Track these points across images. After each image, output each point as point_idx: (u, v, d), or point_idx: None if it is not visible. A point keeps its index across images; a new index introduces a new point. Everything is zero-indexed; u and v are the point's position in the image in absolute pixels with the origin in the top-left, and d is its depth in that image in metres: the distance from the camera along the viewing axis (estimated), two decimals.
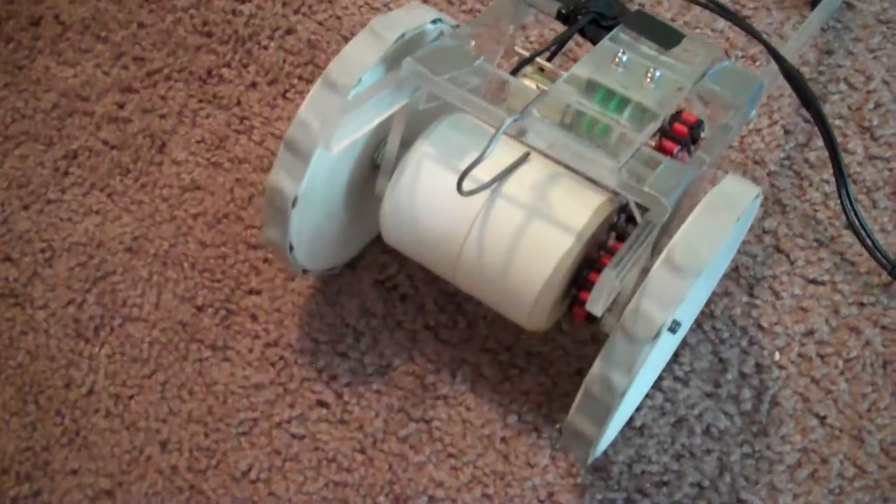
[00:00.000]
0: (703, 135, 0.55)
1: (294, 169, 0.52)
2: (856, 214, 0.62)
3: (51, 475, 0.61)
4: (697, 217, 0.48)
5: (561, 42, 0.60)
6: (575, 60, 0.55)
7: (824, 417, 0.60)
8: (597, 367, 0.48)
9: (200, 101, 0.73)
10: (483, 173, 0.52)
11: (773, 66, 0.60)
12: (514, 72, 0.57)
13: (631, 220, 0.55)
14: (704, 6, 0.63)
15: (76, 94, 0.73)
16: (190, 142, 0.71)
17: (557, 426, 0.60)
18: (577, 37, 0.60)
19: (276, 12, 0.75)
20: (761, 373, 0.61)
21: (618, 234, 0.55)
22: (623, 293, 0.51)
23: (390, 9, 0.75)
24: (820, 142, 0.68)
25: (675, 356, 0.61)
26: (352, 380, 0.62)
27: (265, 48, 0.74)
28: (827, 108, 0.69)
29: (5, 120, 0.73)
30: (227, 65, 0.74)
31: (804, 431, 0.60)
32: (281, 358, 0.63)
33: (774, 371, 0.61)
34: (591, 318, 0.54)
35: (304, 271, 0.59)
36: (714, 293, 0.63)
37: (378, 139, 0.58)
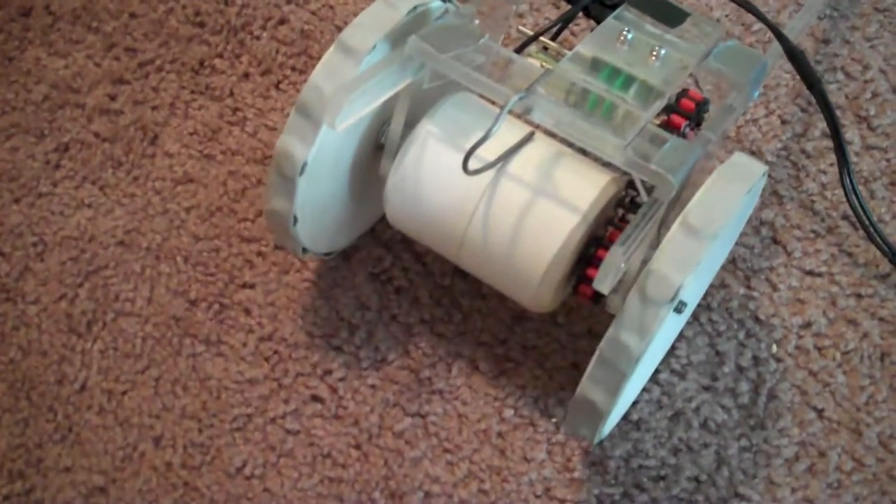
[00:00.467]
0: (707, 114, 0.55)
1: (305, 133, 0.52)
2: (857, 197, 0.62)
3: (44, 472, 0.60)
4: (711, 184, 0.49)
5: (565, 21, 0.60)
6: (576, 43, 0.55)
7: (822, 410, 0.60)
8: (612, 332, 0.47)
9: (193, 92, 0.72)
10: (488, 153, 0.52)
11: (776, 46, 0.60)
12: (519, 50, 0.56)
13: (633, 203, 0.55)
14: None
15: (67, 85, 0.73)
16: (182, 134, 0.70)
17: (554, 420, 0.60)
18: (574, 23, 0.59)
19: (269, 2, 0.74)
20: (759, 365, 0.61)
21: (624, 212, 0.55)
22: (629, 273, 0.51)
23: None
24: (817, 132, 0.68)
25: (672, 349, 0.61)
26: (346, 374, 0.61)
27: (258, 38, 0.73)
28: None
29: None
30: (220, 55, 0.73)
31: (802, 424, 0.59)
32: (275, 352, 0.62)
33: (772, 364, 0.61)
34: (595, 299, 0.54)
35: (304, 250, 0.58)
36: (711, 285, 0.63)
37: (382, 120, 0.58)
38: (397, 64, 0.52)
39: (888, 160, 0.67)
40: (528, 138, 0.54)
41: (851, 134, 0.68)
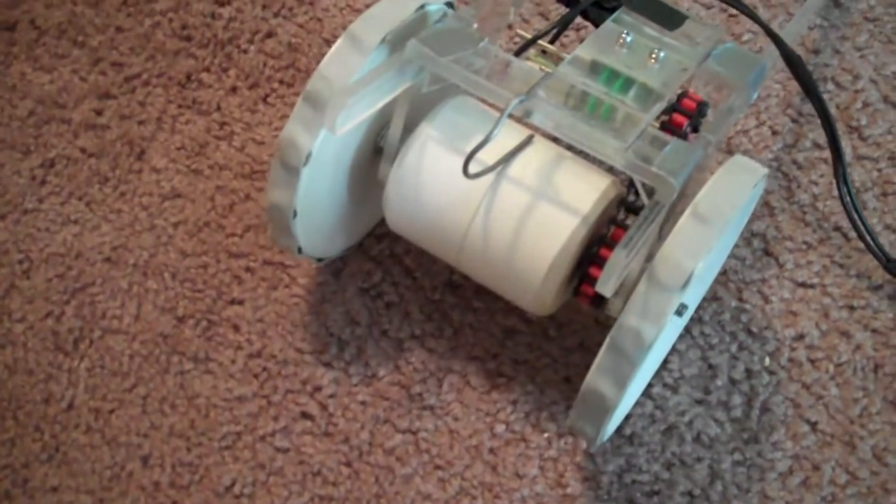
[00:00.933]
0: (705, 119, 0.55)
1: (311, 122, 0.52)
2: (852, 201, 0.62)
3: (30, 493, 0.60)
4: (719, 176, 0.50)
5: (564, 24, 0.60)
6: (574, 47, 0.55)
7: (815, 423, 0.59)
8: (623, 319, 0.47)
9: (180, 106, 0.71)
10: (488, 156, 0.52)
11: (773, 49, 0.60)
12: (517, 54, 0.56)
13: (632, 207, 0.55)
14: None
15: (53, 100, 0.72)
16: (169, 149, 0.70)
17: (546, 435, 0.59)
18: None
19: (256, 15, 0.74)
20: (751, 378, 0.60)
21: (625, 215, 0.55)
22: (629, 277, 0.51)
23: None
24: (808, 142, 0.68)
25: (665, 362, 0.61)
26: (336, 391, 0.61)
27: (245, 52, 0.73)
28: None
29: None
30: (207, 69, 0.72)
31: (795, 438, 0.59)
32: (264, 369, 0.61)
33: (765, 376, 0.60)
34: (595, 302, 0.54)
35: (299, 250, 0.57)
36: (703, 298, 0.62)
37: (380, 124, 0.58)
38: (396, 68, 0.52)
39: (879, 170, 0.67)
40: (527, 141, 0.55)
41: (842, 144, 0.67)
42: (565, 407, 0.60)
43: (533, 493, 0.58)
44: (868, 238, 0.62)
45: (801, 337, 0.62)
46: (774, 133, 0.68)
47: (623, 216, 0.56)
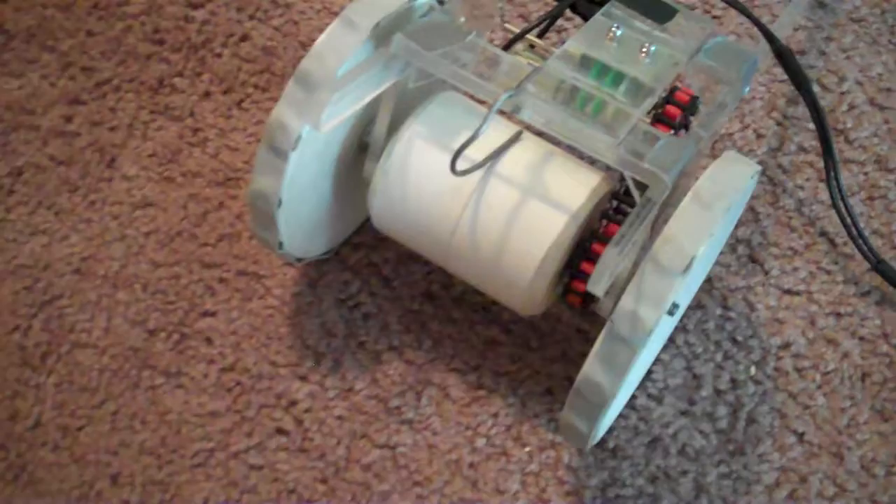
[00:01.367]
0: (696, 116, 0.54)
1: (302, 104, 0.50)
2: (842, 195, 0.61)
3: None
4: (718, 165, 0.49)
5: (552, 18, 0.59)
6: (563, 42, 0.54)
7: (802, 434, 0.58)
8: (624, 303, 0.46)
9: (152, 112, 0.70)
10: (476, 152, 0.51)
11: (764, 44, 0.59)
12: (505, 49, 0.55)
13: (623, 201, 0.54)
14: None
15: (21, 107, 0.70)
16: (141, 156, 0.68)
17: (527, 449, 0.58)
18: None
19: (230, 18, 0.72)
20: (737, 388, 0.59)
21: (616, 212, 0.54)
22: (620, 275, 0.50)
23: None
24: (793, 146, 0.66)
25: (649, 373, 0.59)
26: (312, 405, 0.59)
27: (219, 56, 0.71)
28: (800, 112, 0.68)
29: None
30: (180, 74, 0.71)
31: (782, 449, 0.58)
32: (238, 384, 0.60)
33: (750, 386, 0.59)
34: (584, 302, 0.53)
35: (280, 245, 0.56)
36: (688, 307, 0.61)
37: (366, 120, 0.56)
38: (382, 62, 0.51)
39: (866, 174, 0.66)
40: (516, 137, 0.53)
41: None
42: (547, 419, 0.58)
43: None
44: (854, 231, 0.61)
45: (787, 345, 0.60)
46: (759, 136, 0.67)
47: (614, 206, 0.54)
